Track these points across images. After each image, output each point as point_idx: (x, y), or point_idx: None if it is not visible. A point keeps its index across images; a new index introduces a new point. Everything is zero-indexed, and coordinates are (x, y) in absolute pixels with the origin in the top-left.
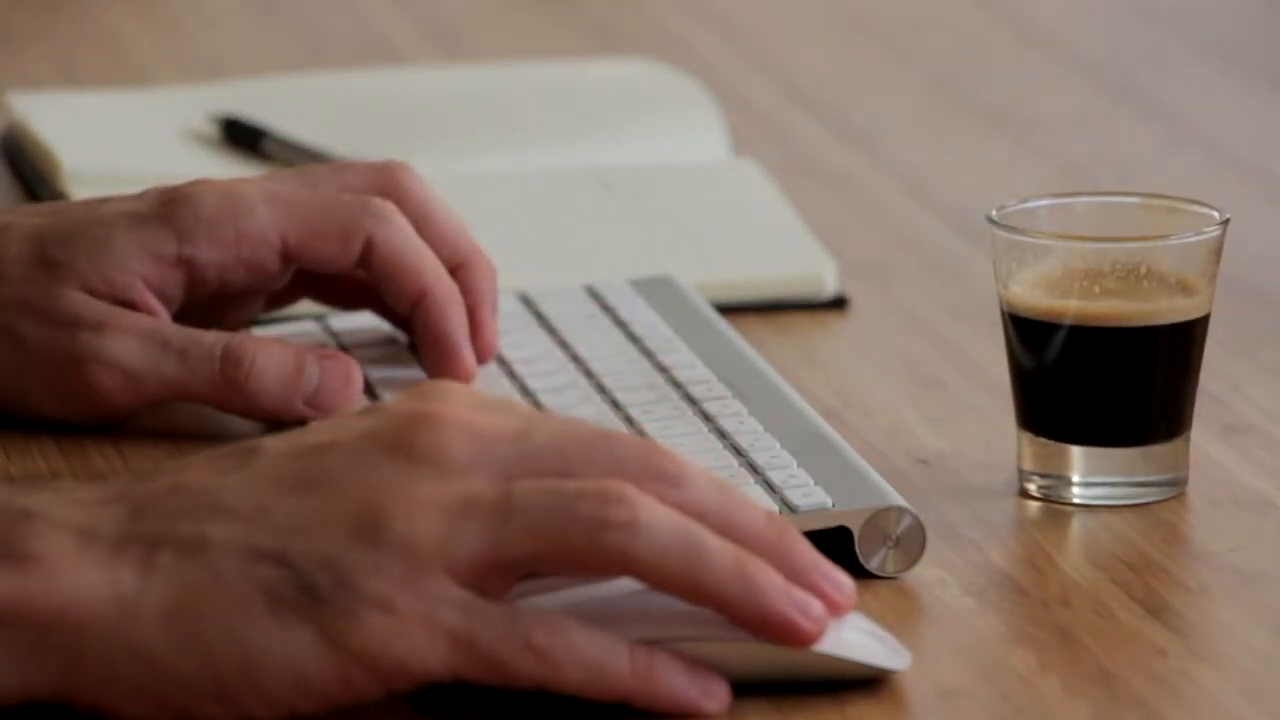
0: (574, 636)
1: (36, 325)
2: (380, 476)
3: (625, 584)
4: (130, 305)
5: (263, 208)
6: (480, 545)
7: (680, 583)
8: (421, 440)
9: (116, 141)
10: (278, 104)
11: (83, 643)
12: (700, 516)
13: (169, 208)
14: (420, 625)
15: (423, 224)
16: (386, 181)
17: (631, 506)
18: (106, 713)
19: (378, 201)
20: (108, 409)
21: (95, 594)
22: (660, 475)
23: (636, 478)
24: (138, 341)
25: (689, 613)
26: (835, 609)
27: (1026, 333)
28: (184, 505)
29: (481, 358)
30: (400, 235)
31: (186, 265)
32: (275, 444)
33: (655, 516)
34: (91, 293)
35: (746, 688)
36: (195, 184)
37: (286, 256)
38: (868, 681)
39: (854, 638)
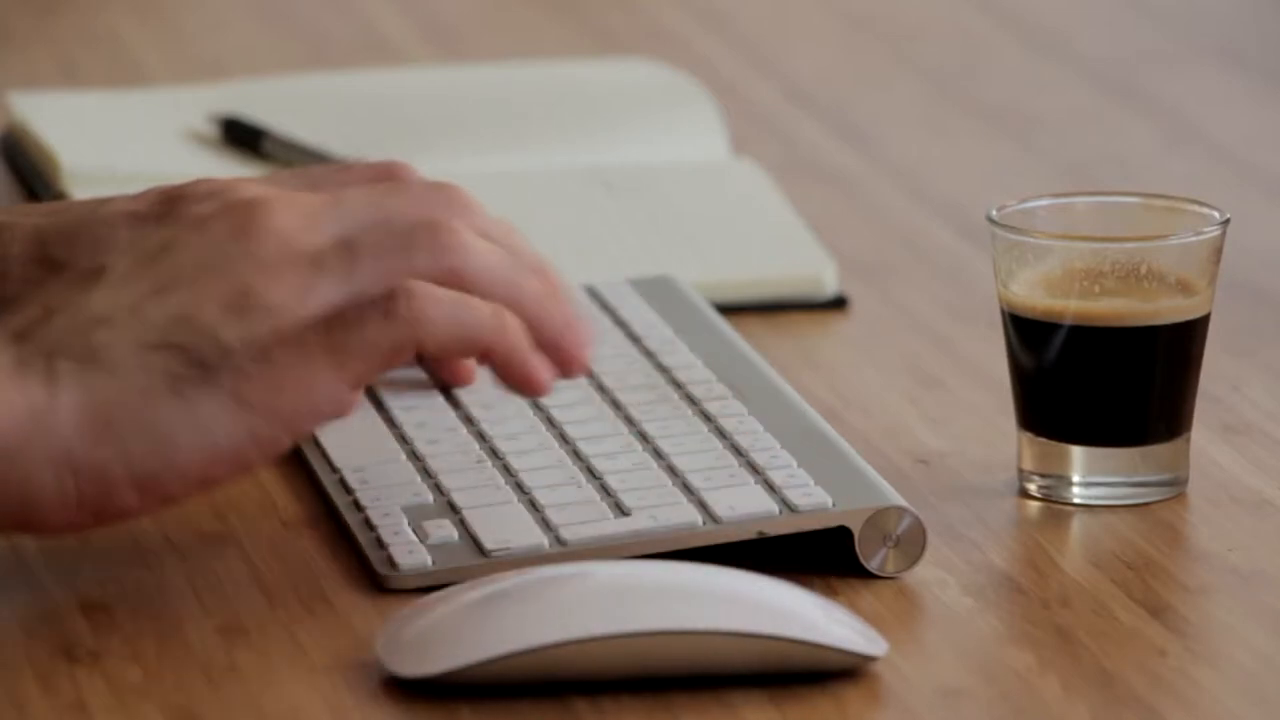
0: (433, 293)
1: None
2: (233, 260)
3: (625, 577)
4: None
5: None
6: (339, 291)
7: (506, 290)
8: (257, 221)
9: (116, 141)
10: (278, 104)
11: (8, 459)
12: (492, 238)
13: (169, 207)
14: (299, 362)
15: None
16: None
17: (455, 231)
18: (29, 529)
19: None
20: None
21: (15, 411)
22: (463, 207)
23: (445, 212)
24: None
25: (682, 603)
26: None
27: (1026, 333)
28: (63, 325)
29: None
30: None
31: None
32: (116, 258)
33: (474, 237)
34: None
35: (745, 685)
36: (196, 184)
37: None
38: (866, 680)
39: (835, 629)
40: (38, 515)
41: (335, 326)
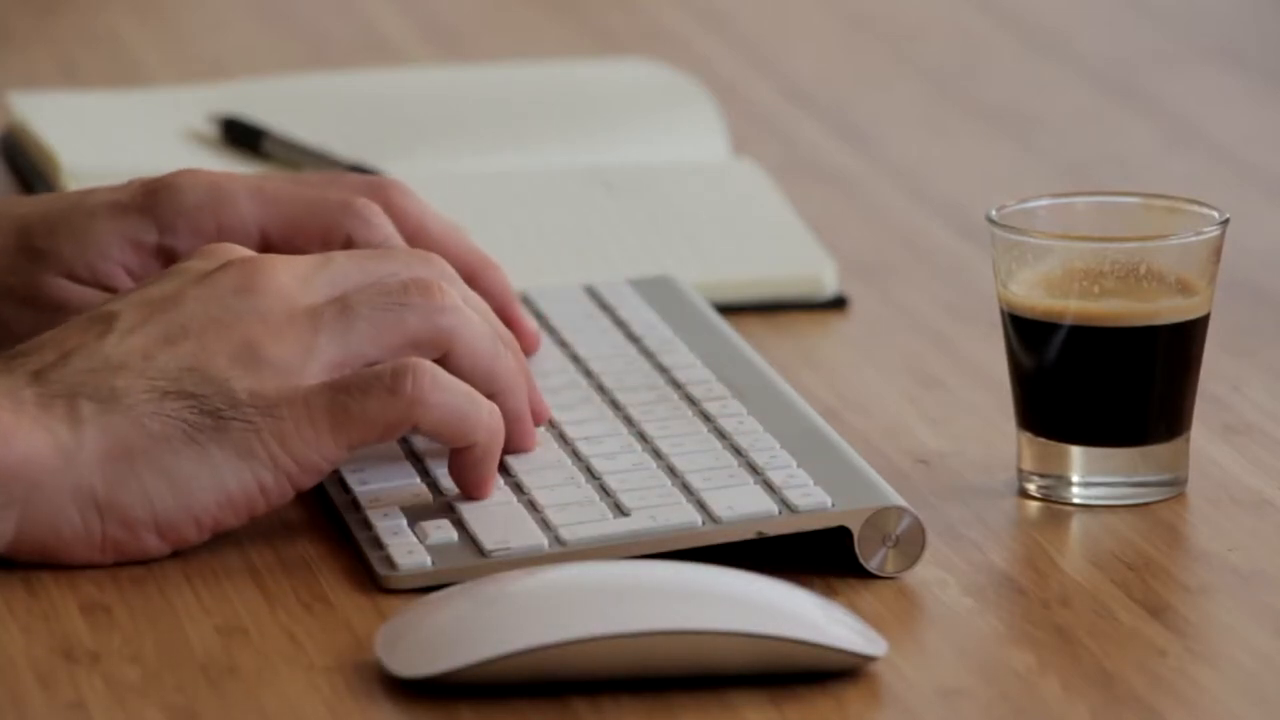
0: (439, 380)
1: (20, 311)
2: (238, 314)
3: (625, 577)
4: (112, 291)
5: (245, 202)
6: (338, 348)
7: (489, 360)
8: (257, 279)
9: (116, 141)
10: (278, 104)
11: (37, 493)
12: (471, 306)
13: (152, 198)
14: (304, 421)
15: (420, 241)
16: (378, 199)
17: (446, 292)
18: (53, 560)
19: (361, 202)
20: None
21: (42, 447)
22: (448, 274)
23: (431, 276)
24: None
25: (682, 603)
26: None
27: (1026, 333)
28: (80, 368)
29: (530, 349)
30: (380, 237)
31: (167, 254)
32: (123, 307)
33: (461, 301)
34: (74, 279)
35: (745, 685)
36: (180, 174)
37: (267, 251)
38: (866, 680)
39: (835, 629)
40: (63, 550)
41: (340, 392)
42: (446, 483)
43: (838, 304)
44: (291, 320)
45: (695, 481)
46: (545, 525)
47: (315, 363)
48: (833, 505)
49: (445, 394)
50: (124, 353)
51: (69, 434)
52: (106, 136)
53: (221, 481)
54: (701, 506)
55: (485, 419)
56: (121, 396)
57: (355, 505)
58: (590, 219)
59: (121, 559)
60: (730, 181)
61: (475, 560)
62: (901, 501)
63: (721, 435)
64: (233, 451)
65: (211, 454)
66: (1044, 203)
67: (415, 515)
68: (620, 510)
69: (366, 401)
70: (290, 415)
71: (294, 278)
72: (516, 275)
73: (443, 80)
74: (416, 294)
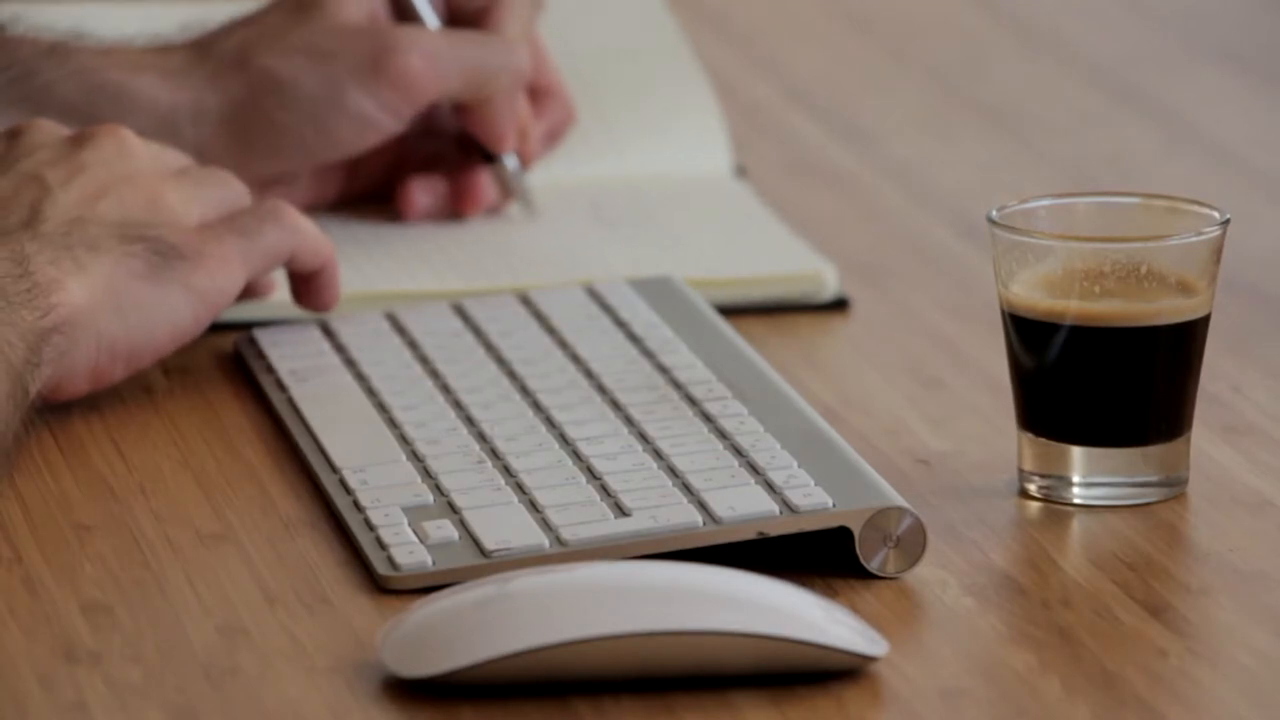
0: (296, 211)
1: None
2: (130, 172)
3: (625, 577)
4: None
5: None
6: (206, 201)
7: (320, 247)
8: (127, 144)
9: None
10: None
11: (76, 338)
12: None
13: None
14: (221, 257)
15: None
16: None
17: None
18: (62, 394)
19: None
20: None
21: (78, 295)
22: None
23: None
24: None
25: (682, 603)
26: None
27: (1027, 333)
28: (58, 220)
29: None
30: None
31: None
32: (36, 169)
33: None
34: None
35: (746, 685)
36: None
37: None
38: (867, 680)
39: (835, 629)
40: (69, 386)
41: (240, 230)
42: (448, 483)
43: (838, 305)
44: (170, 176)
45: (696, 482)
46: (546, 525)
47: (195, 212)
48: (834, 505)
49: (309, 222)
50: (74, 205)
51: (85, 281)
52: None
53: (174, 314)
54: (702, 507)
55: (326, 241)
56: (99, 243)
57: (356, 505)
58: (590, 231)
59: (96, 388)
60: (725, 200)
61: (476, 560)
62: (902, 502)
63: (722, 435)
64: (179, 286)
65: (168, 291)
66: (1044, 203)
67: (416, 515)
68: (621, 510)
69: (264, 232)
70: (213, 252)
71: (143, 142)
72: (518, 273)
73: None
74: (219, 174)
